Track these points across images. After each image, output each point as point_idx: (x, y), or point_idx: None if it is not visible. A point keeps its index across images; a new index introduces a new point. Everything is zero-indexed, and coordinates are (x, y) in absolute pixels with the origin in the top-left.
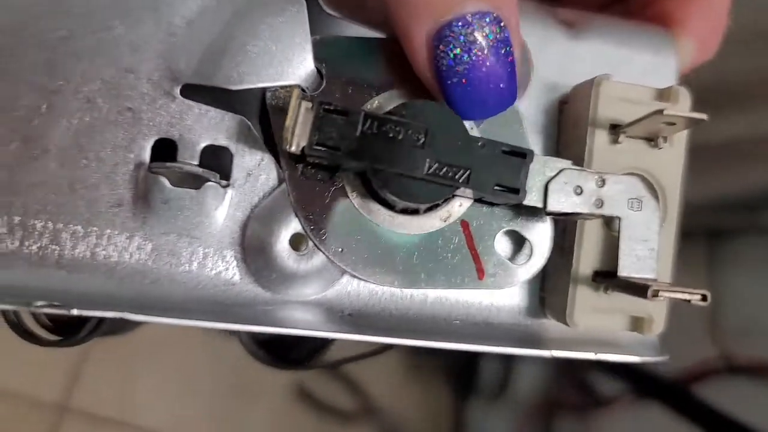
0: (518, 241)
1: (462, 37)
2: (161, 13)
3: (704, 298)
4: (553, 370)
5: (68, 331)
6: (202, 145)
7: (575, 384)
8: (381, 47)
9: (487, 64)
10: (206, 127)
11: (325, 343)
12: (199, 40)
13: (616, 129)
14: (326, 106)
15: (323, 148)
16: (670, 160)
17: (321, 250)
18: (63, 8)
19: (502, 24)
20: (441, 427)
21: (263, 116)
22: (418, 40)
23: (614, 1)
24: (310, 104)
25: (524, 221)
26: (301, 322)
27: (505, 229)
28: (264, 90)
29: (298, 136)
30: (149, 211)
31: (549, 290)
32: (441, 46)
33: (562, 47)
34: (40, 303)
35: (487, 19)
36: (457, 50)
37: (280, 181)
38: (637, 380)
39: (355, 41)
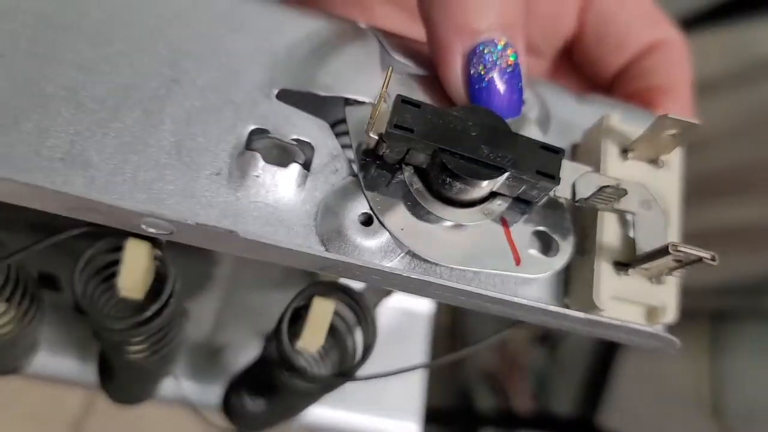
0: (546, 242)
1: (488, 55)
2: (269, 37)
3: (713, 258)
4: None
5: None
6: (291, 137)
7: None
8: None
9: (505, 77)
10: (295, 125)
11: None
12: (294, 60)
13: (624, 152)
14: (402, 98)
15: (400, 130)
16: (670, 179)
17: (384, 226)
18: (185, 20)
19: (514, 50)
20: None
21: (340, 122)
22: (455, 51)
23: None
24: (386, 105)
25: (551, 224)
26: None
27: (534, 229)
28: (344, 100)
29: (376, 126)
30: (242, 181)
31: (573, 285)
32: (473, 59)
33: (572, 106)
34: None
35: (507, 44)
36: (486, 63)
37: (353, 175)
38: None
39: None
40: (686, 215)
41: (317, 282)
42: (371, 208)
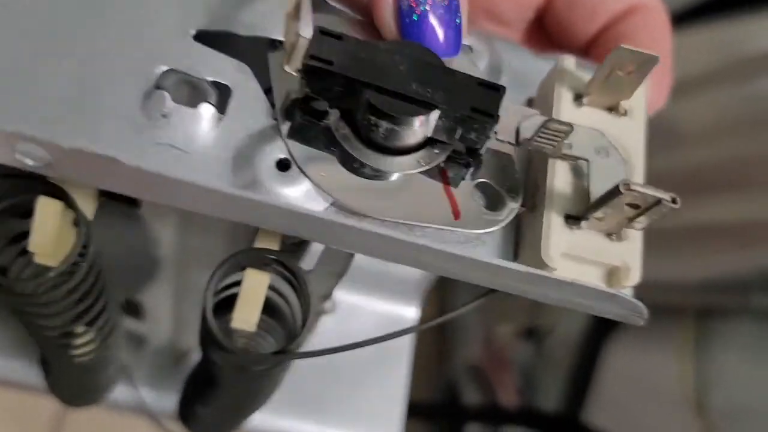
0: (492, 197)
1: None
2: None
3: (674, 200)
4: None
5: None
6: (207, 79)
7: None
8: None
9: (439, 11)
10: (211, 66)
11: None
12: None
13: (580, 97)
14: (322, 29)
15: (317, 62)
16: (632, 128)
17: (302, 171)
18: None
19: None
20: None
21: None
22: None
23: None
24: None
25: (497, 176)
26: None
27: (478, 181)
28: (269, 42)
29: (293, 61)
30: (147, 123)
31: (522, 248)
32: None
33: (526, 59)
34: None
35: None
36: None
37: (274, 121)
38: None
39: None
40: (672, 212)
41: (246, 250)
42: (289, 153)
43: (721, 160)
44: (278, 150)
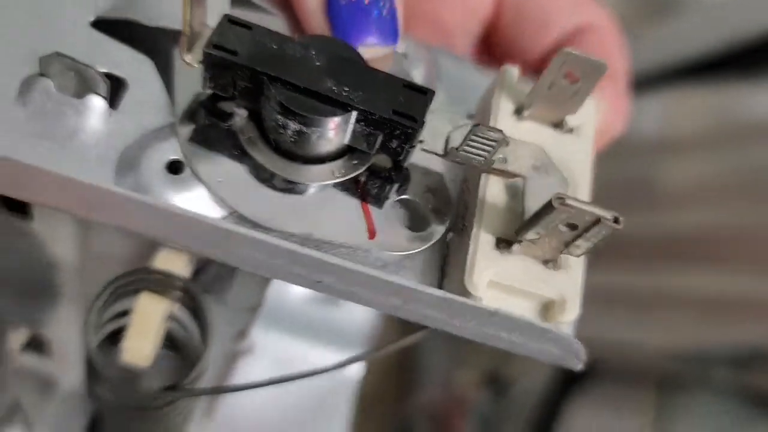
0: (417, 216)
1: None
2: None
3: (617, 220)
4: None
5: None
6: (101, 70)
7: None
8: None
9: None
10: (107, 57)
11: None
12: None
13: (521, 111)
14: (230, 18)
15: (221, 52)
16: (578, 148)
17: (195, 175)
18: None
19: None
20: None
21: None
22: None
23: None
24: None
25: (423, 193)
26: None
27: (401, 197)
28: (174, 33)
29: (195, 51)
30: (24, 111)
31: (449, 274)
32: None
33: (468, 71)
34: None
35: None
36: None
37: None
38: None
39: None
40: (640, 275)
41: (141, 270)
42: (183, 154)
43: (701, 227)
44: (171, 151)
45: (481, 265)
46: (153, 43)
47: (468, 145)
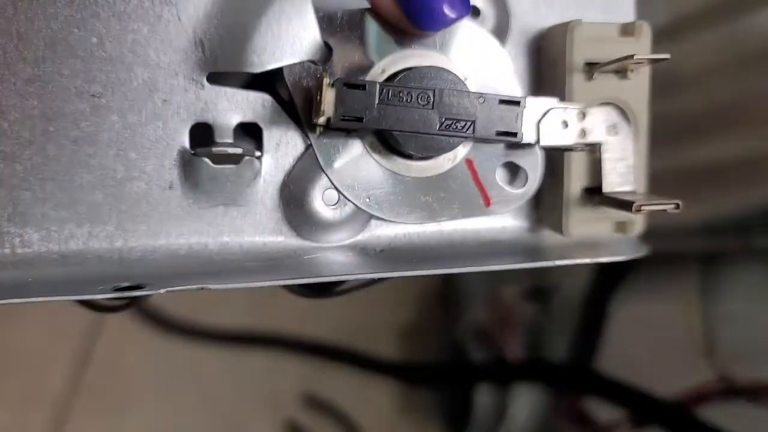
0: (514, 171)
1: None
2: (179, 9)
3: (677, 206)
4: (549, 400)
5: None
6: (234, 123)
7: (573, 413)
8: (375, 15)
9: None
10: (235, 108)
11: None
12: (217, 30)
13: (590, 67)
14: (345, 83)
15: (349, 120)
16: (638, 88)
17: (350, 201)
18: (91, 15)
19: None
20: None
21: (282, 93)
22: None
23: None
24: (329, 80)
25: (519, 153)
26: (341, 265)
27: (503, 162)
28: (280, 69)
29: (324, 111)
30: (197, 189)
31: (545, 209)
32: None
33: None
34: (126, 284)
35: None
36: None
37: (306, 147)
38: (636, 405)
39: (354, 12)
40: (667, 154)
41: None
42: (333, 185)
43: (719, 99)
44: (321, 182)
45: (573, 214)
46: (261, 84)
47: (552, 129)
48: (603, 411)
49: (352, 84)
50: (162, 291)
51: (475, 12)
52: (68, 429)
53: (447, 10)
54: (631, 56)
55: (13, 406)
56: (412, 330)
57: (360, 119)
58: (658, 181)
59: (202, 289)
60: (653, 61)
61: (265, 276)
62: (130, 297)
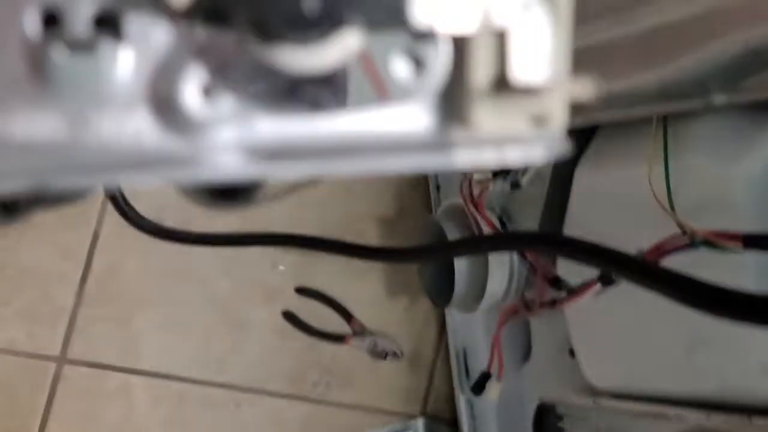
0: (418, 59)
1: None
2: None
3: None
4: (524, 273)
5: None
6: (89, 14)
7: (547, 280)
8: None
9: None
10: None
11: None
12: None
13: None
14: None
15: None
16: None
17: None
18: None
19: None
20: (426, 337)
21: None
22: None
23: None
24: None
25: (419, 42)
26: (225, 166)
27: (400, 50)
28: None
29: None
30: (48, 84)
31: (452, 101)
32: None
33: None
34: None
35: None
36: None
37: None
38: (606, 262)
39: None
40: (620, 20)
41: None
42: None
43: None
44: (196, 76)
45: (479, 103)
46: None
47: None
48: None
49: None
50: None
51: None
52: (78, 338)
53: None
54: None
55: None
56: (394, 219)
57: None
58: (609, 49)
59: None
60: None
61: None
62: None
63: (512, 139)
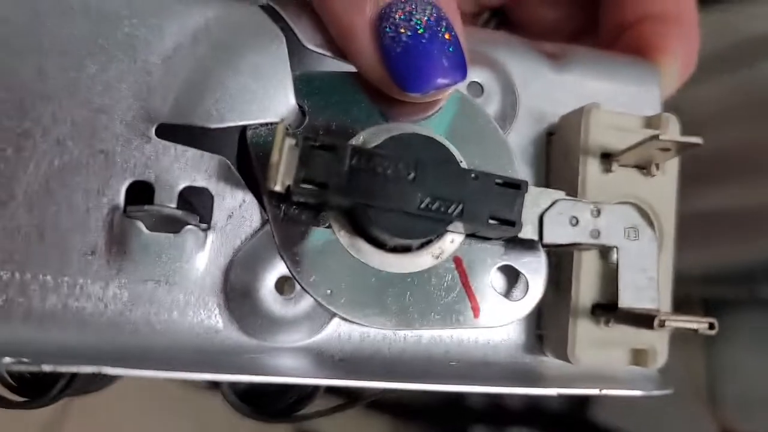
0: (513, 276)
1: (402, 15)
2: (137, 51)
3: (711, 326)
4: None
5: (37, 390)
6: (181, 186)
7: None
8: (361, 81)
9: (427, 36)
10: (184, 168)
11: (312, 393)
12: (176, 77)
13: (608, 158)
14: (312, 142)
15: (310, 186)
16: (664, 188)
17: (309, 293)
18: (34, 45)
19: (434, 4)
20: None
21: (242, 156)
22: (362, 25)
23: (582, 32)
24: (294, 141)
25: (518, 255)
26: (290, 370)
27: (499, 265)
28: (243, 128)
29: (282, 174)
30: (125, 258)
31: (547, 327)
32: (384, 25)
33: (548, 79)
34: (7, 360)
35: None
36: (399, 27)
37: (264, 222)
38: None
39: (335, 76)
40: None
41: None
42: (291, 272)
43: (726, 146)
44: (275, 267)
45: (581, 337)
46: (218, 143)
47: (569, 248)
48: None
49: (319, 144)
50: (47, 369)
51: (477, 89)
52: None
53: (436, 70)
54: (656, 136)
55: None
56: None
57: (324, 186)
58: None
59: (99, 373)
60: (682, 149)
61: (185, 367)
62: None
63: (608, 376)
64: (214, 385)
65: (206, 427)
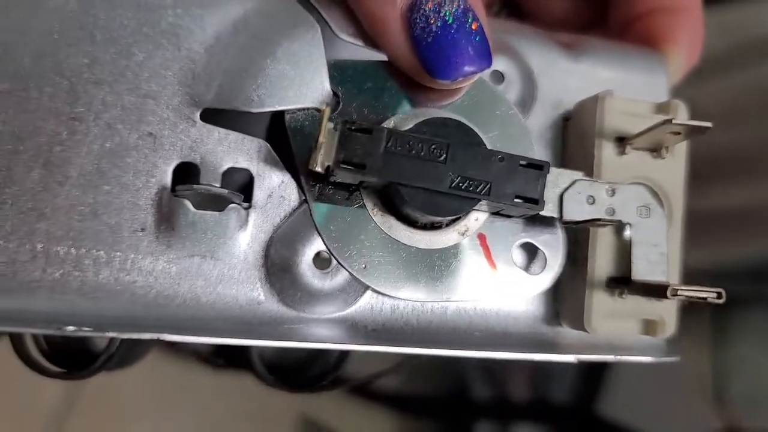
0: (532, 252)
1: (432, 7)
2: (180, 40)
3: (719, 295)
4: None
5: (70, 363)
6: (224, 167)
7: None
8: (390, 69)
9: (455, 26)
10: (227, 151)
11: (337, 365)
12: (218, 65)
13: (622, 141)
14: (350, 126)
15: (349, 166)
16: (673, 169)
17: (345, 268)
18: (85, 35)
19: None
20: None
21: (279, 139)
22: (393, 16)
23: (589, 24)
24: (332, 125)
25: (537, 233)
26: (327, 337)
27: (520, 242)
28: (281, 113)
29: (322, 156)
30: (173, 235)
31: (564, 299)
32: (414, 16)
33: (563, 67)
34: (71, 328)
35: None
36: (429, 18)
37: (301, 201)
38: None
39: (367, 64)
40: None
41: None
42: (327, 248)
43: (733, 144)
44: (313, 244)
45: (597, 308)
46: (259, 127)
47: (587, 225)
48: None
49: (357, 127)
50: (109, 334)
51: (498, 77)
52: None
53: (464, 59)
54: (669, 120)
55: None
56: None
57: (362, 167)
58: None
59: (158, 339)
60: (691, 133)
61: (231, 335)
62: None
63: (620, 346)
64: (243, 366)
65: (214, 415)
